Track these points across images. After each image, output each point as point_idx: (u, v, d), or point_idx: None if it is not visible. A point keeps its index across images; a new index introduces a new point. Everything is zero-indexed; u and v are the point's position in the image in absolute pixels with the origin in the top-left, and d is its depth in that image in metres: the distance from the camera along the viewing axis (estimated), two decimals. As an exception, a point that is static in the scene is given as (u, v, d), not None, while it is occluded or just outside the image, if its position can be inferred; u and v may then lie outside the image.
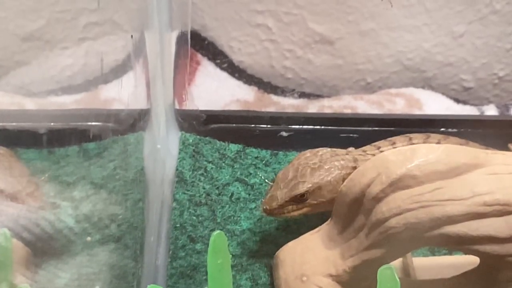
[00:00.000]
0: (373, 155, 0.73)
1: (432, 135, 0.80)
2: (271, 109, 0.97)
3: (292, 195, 0.68)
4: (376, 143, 0.77)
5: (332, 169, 0.69)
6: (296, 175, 0.69)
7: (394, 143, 0.77)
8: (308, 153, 0.71)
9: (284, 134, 0.87)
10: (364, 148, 0.75)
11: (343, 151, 0.72)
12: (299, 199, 0.69)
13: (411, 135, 0.79)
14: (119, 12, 0.83)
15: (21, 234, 0.67)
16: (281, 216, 0.70)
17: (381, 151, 0.73)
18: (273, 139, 0.87)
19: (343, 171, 0.69)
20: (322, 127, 0.87)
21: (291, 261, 0.69)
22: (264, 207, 0.69)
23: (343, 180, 0.69)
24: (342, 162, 0.70)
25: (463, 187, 0.58)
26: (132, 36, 0.74)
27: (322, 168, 0.69)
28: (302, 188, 0.68)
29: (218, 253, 0.49)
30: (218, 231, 0.50)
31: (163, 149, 0.84)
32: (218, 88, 0.99)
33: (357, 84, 1.00)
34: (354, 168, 0.69)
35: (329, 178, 0.69)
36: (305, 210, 0.70)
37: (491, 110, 1.00)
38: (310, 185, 0.69)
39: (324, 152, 0.71)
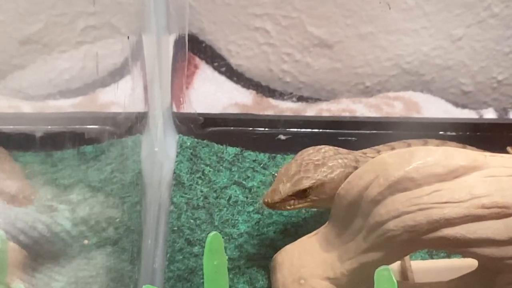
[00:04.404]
0: (373, 158, 0.73)
1: (430, 140, 0.80)
2: (269, 112, 0.97)
3: (295, 190, 0.68)
4: (376, 147, 0.77)
5: (335, 167, 0.69)
6: (299, 170, 0.69)
7: (393, 148, 0.77)
8: (310, 149, 0.71)
9: (282, 137, 0.87)
10: (364, 150, 0.75)
11: (345, 150, 0.72)
12: (301, 194, 0.68)
13: (410, 140, 0.79)
14: (117, 15, 0.83)
15: (18, 237, 0.67)
16: (280, 209, 0.70)
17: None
18: (271, 142, 0.87)
19: (346, 169, 0.69)
20: (320, 130, 0.87)
21: (289, 264, 0.68)
22: (266, 200, 0.68)
23: (345, 178, 0.68)
24: (345, 160, 0.70)
25: (461, 190, 0.58)
26: (128, 37, 0.74)
27: (325, 165, 0.69)
28: (305, 184, 0.68)
29: (214, 255, 0.49)
30: (214, 232, 0.49)
31: (160, 152, 0.84)
32: (216, 91, 0.99)
33: (356, 88, 1.00)
34: (356, 168, 0.69)
35: (332, 175, 0.69)
36: (306, 204, 0.70)
37: (490, 114, 1.00)
38: (314, 181, 0.68)
39: (327, 149, 0.71)
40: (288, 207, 0.69)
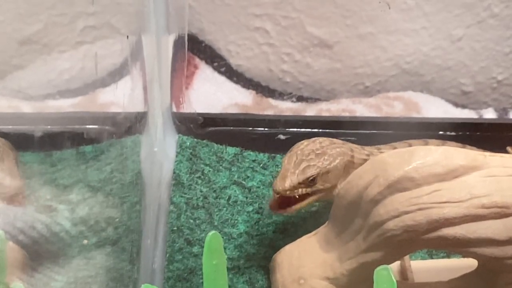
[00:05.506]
0: (371, 152, 0.73)
1: (430, 141, 0.80)
2: (269, 112, 0.97)
3: (305, 177, 0.69)
4: (378, 146, 0.77)
5: (336, 155, 0.70)
6: (303, 159, 0.70)
7: (394, 148, 0.77)
8: (305, 142, 0.72)
9: (282, 137, 0.87)
10: (364, 146, 0.75)
11: (339, 140, 0.73)
12: (309, 183, 0.69)
13: (410, 141, 0.79)
14: (116, 15, 0.83)
15: (17, 237, 0.67)
16: (291, 197, 0.70)
17: (381, 152, 0.73)
18: (270, 142, 0.87)
19: (344, 158, 0.70)
20: (320, 130, 0.87)
21: (289, 264, 0.68)
22: (277, 188, 0.68)
23: (344, 166, 0.70)
24: (342, 149, 0.71)
25: (461, 190, 0.58)
26: (127, 37, 0.74)
27: (326, 153, 0.70)
28: (313, 171, 0.69)
29: (214, 254, 0.49)
30: (213, 232, 0.49)
31: (160, 152, 0.84)
32: (216, 91, 0.99)
33: (355, 88, 1.00)
34: (352, 157, 0.71)
35: (335, 163, 0.70)
36: (312, 198, 0.70)
37: (489, 114, 1.00)
38: (320, 169, 0.69)
39: (321, 140, 0.72)
40: (297, 196, 0.69)
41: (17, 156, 0.78)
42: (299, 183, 0.69)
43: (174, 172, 0.82)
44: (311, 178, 0.69)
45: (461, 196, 0.58)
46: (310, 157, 0.70)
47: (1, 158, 0.75)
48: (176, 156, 0.84)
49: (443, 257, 0.75)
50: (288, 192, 0.69)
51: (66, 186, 0.76)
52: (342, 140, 0.75)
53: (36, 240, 0.68)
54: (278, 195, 0.69)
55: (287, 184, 0.68)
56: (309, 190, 0.70)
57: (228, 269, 0.52)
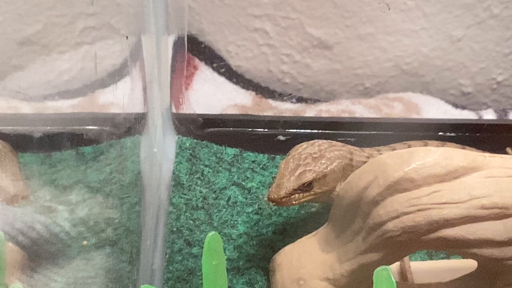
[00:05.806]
0: (370, 154, 0.73)
1: (430, 142, 0.81)
2: (269, 113, 0.97)
3: (300, 183, 0.68)
4: (377, 147, 0.77)
5: (333, 158, 0.70)
6: (299, 163, 0.69)
7: (394, 149, 0.77)
8: (304, 144, 0.72)
9: (282, 138, 0.87)
10: (363, 148, 0.75)
11: (338, 143, 0.73)
12: (306, 187, 0.69)
13: (410, 142, 0.79)
14: (116, 16, 0.83)
15: (16, 238, 0.67)
16: (287, 205, 0.70)
17: (380, 154, 0.73)
18: (270, 143, 0.87)
19: (343, 161, 0.70)
20: (320, 131, 0.87)
21: (288, 265, 0.68)
22: (272, 196, 0.68)
23: (343, 169, 0.70)
24: (341, 152, 0.71)
25: (460, 190, 0.58)
26: (127, 37, 0.74)
27: (323, 157, 0.70)
28: (309, 176, 0.69)
29: (213, 254, 0.49)
30: (213, 232, 0.49)
31: (159, 152, 0.84)
32: (216, 92, 0.99)
33: (355, 89, 1.00)
34: (351, 160, 0.71)
35: (332, 167, 0.70)
36: (310, 198, 0.70)
37: (489, 115, 1.00)
38: (316, 173, 0.69)
39: (321, 143, 0.72)
40: (294, 202, 0.69)
41: (18, 157, 0.78)
42: (295, 189, 0.69)
43: (173, 173, 0.82)
44: (307, 183, 0.69)
45: (460, 197, 0.58)
46: (307, 161, 0.69)
47: (4, 162, 0.75)
48: (176, 157, 0.84)
49: (442, 258, 0.75)
50: (284, 200, 0.69)
51: (66, 186, 0.76)
52: (342, 141, 0.75)
53: (35, 241, 0.68)
54: (274, 203, 0.69)
55: (282, 192, 0.68)
56: (306, 195, 0.69)
57: (227, 270, 0.52)
